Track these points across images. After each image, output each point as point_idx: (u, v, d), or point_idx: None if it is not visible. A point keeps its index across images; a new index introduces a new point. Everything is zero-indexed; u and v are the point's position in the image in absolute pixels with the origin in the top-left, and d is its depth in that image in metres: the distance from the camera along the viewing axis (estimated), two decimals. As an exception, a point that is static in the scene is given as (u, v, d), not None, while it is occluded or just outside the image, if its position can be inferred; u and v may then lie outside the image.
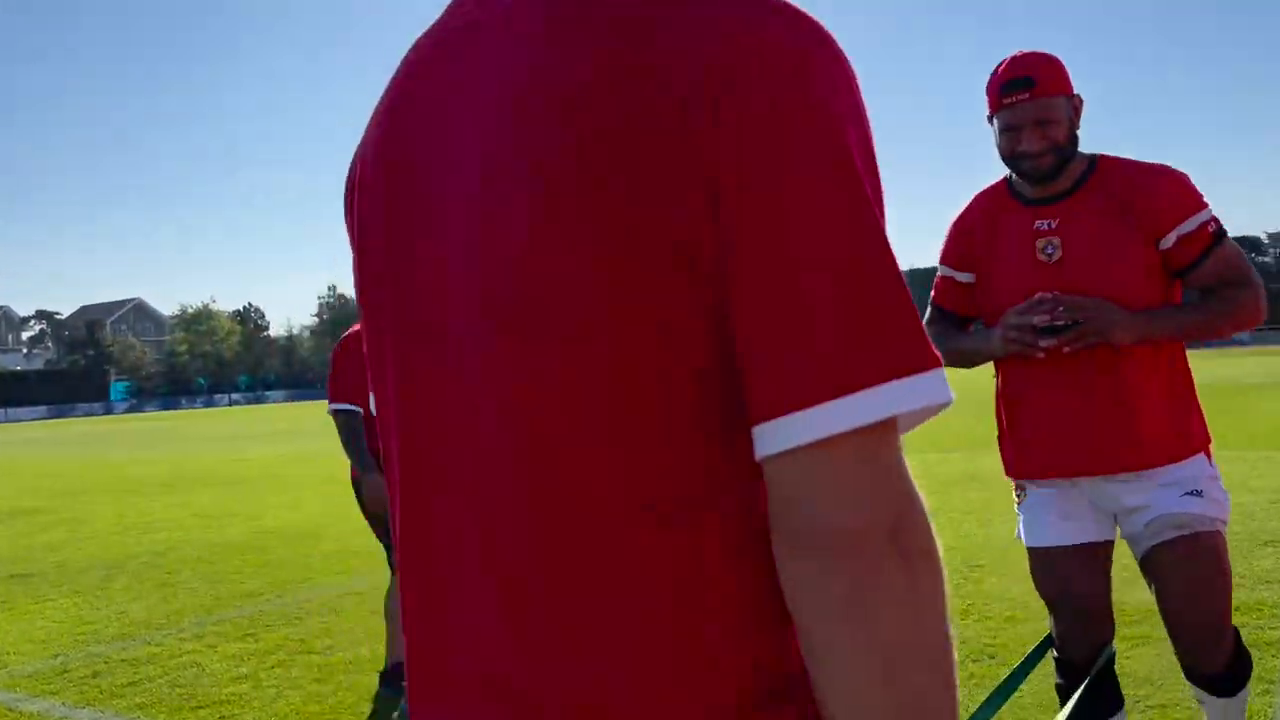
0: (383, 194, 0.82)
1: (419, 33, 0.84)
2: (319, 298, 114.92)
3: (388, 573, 6.49)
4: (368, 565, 7.00)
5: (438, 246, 0.75)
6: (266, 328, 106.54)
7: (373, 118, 0.87)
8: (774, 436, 0.63)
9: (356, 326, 4.15)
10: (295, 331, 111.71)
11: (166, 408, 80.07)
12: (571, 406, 0.68)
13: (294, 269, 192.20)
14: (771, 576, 0.67)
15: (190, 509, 10.84)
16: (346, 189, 0.90)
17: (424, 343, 0.77)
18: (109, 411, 79.32)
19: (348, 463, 4.12)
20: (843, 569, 0.61)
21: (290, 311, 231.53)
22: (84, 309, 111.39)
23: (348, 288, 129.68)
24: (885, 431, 0.63)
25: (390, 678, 4.20)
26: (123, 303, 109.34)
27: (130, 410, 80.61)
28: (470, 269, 0.72)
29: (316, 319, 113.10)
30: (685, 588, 0.68)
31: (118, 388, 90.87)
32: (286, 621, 5.54)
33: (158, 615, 5.88)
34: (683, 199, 0.65)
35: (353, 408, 3.97)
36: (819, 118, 0.65)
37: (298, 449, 19.82)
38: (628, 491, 0.67)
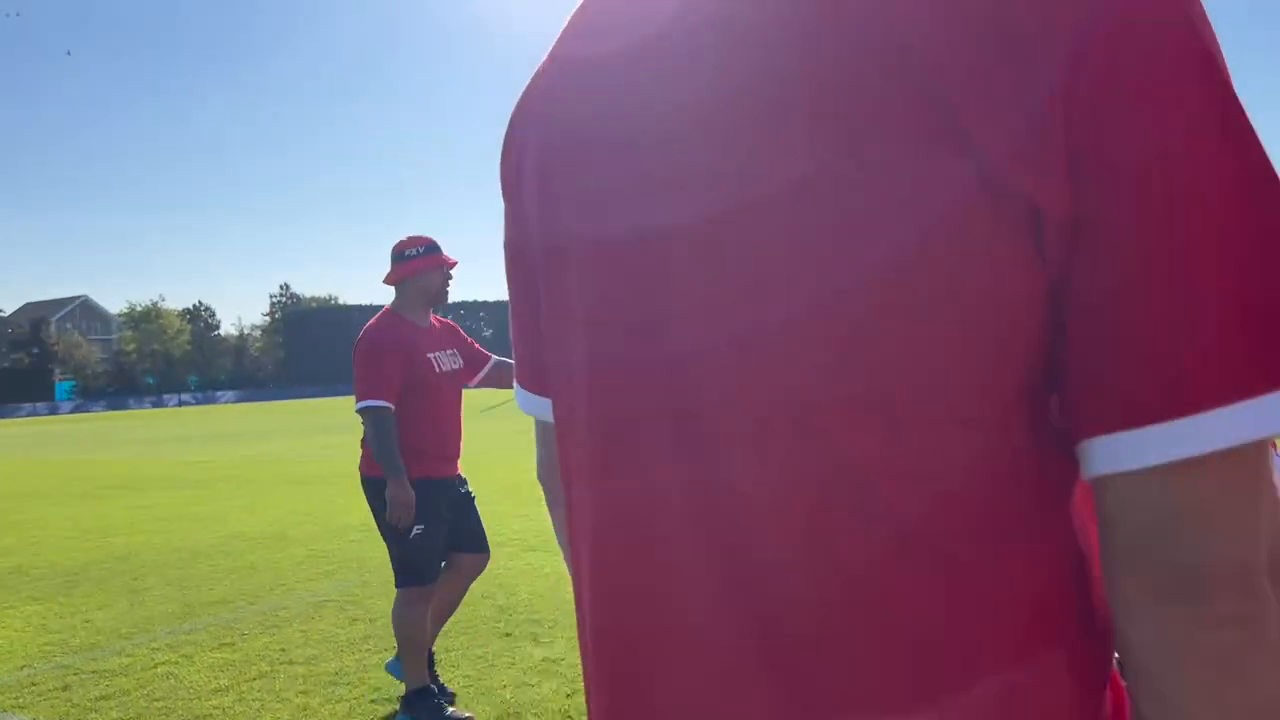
0: (585, 148, 0.69)
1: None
2: (271, 296, 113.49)
3: (366, 578, 6.37)
4: (342, 571, 6.82)
5: (669, 209, 0.62)
6: (217, 326, 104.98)
7: (552, 68, 0.75)
8: (1129, 451, 0.52)
9: (374, 321, 3.98)
10: (246, 330, 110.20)
11: (114, 408, 78.41)
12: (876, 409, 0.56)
13: (245, 267, 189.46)
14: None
15: (150, 512, 10.54)
16: (514, 147, 0.79)
17: (639, 317, 0.65)
18: (54, 411, 77.45)
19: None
20: (1227, 618, 0.51)
21: (241, 310, 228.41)
22: (28, 306, 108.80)
23: (301, 286, 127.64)
24: (1264, 448, 0.52)
25: (413, 703, 3.86)
26: (68, 300, 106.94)
27: (76, 410, 78.76)
28: (729, 226, 0.59)
29: (268, 318, 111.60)
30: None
31: (63, 387, 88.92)
32: (264, 630, 5.35)
33: (126, 624, 5.66)
34: (1036, 150, 0.51)
35: (386, 404, 3.78)
36: (1194, 34, 0.51)
37: (256, 451, 19.45)
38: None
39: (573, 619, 5.11)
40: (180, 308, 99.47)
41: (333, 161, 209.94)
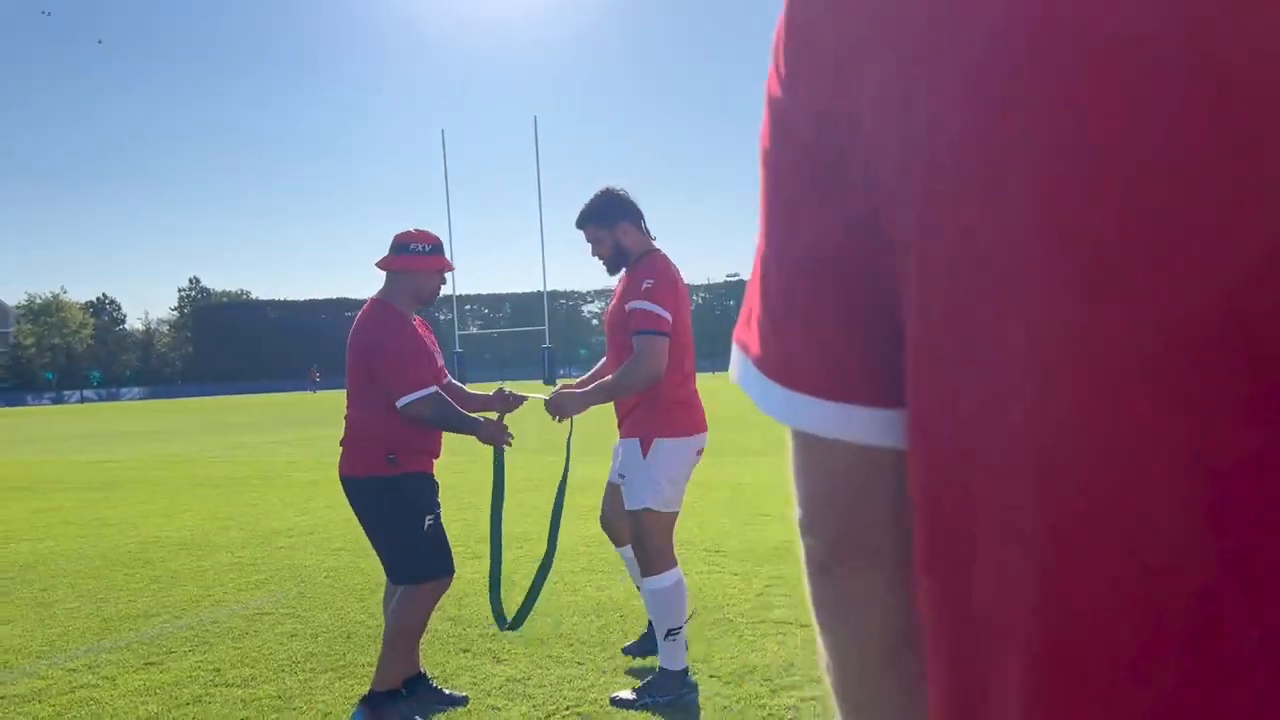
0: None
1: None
2: (180, 290, 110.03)
3: (303, 588, 5.91)
4: (274, 580, 6.38)
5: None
6: (122, 320, 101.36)
7: None
8: None
9: (383, 313, 3.74)
10: (154, 325, 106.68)
11: (9, 404, 75.20)
12: None
13: (153, 260, 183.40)
14: None
15: (55, 516, 9.86)
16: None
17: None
18: (-56, 407, 74.11)
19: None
20: None
21: (148, 304, 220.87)
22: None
23: (211, 280, 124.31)
24: None
25: (380, 705, 3.72)
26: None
27: (-32, 406, 75.41)
28: None
29: (176, 312, 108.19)
30: None
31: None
32: (193, 647, 4.91)
33: (37, 641, 5.16)
34: None
35: (435, 390, 3.70)
36: None
37: (167, 450, 18.59)
38: None
39: (533, 631, 4.80)
40: (83, 300, 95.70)
41: (245, 155, 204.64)
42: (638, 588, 4.19)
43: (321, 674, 4.41)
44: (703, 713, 3.75)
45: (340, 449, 3.76)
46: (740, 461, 11.54)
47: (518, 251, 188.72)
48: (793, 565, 6.08)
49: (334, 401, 44.96)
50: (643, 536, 3.79)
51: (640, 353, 3.64)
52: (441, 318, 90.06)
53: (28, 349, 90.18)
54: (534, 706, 3.88)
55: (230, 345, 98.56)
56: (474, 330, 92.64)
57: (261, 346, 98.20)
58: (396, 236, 3.85)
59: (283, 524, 8.66)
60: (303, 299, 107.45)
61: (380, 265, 3.85)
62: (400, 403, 3.62)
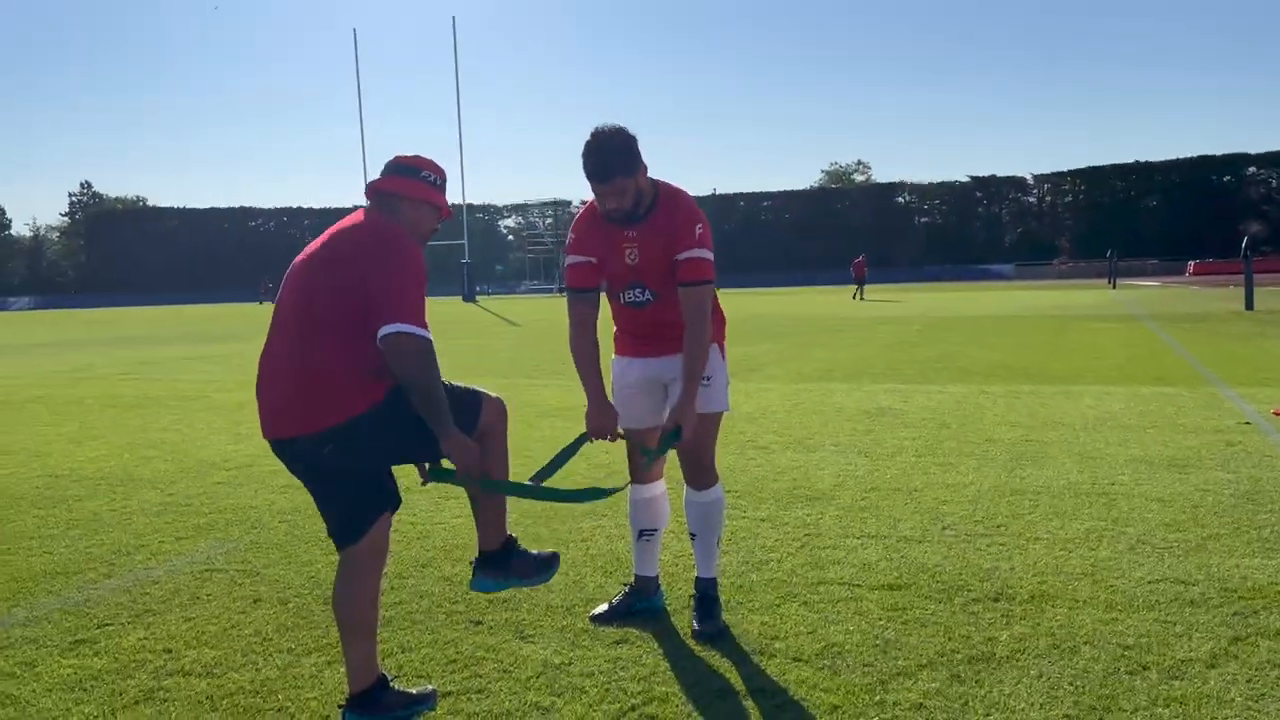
0: None
1: None
2: (70, 195, 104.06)
3: (256, 535, 4.88)
4: (220, 527, 5.42)
5: None
6: (8, 226, 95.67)
7: None
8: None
9: (400, 229, 2.98)
10: (43, 232, 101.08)
11: (-115, 312, 70.56)
12: None
13: (40, 162, 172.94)
14: None
15: (-56, 442, 8.64)
16: None
17: None
18: None
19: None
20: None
21: (36, 210, 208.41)
22: None
23: (103, 185, 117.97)
24: None
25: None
26: None
27: None
28: None
29: (67, 219, 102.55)
30: None
31: None
32: (133, 617, 3.98)
33: (-72, 609, 4.16)
34: None
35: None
36: None
37: (68, 365, 17.08)
38: None
39: (552, 598, 4.00)
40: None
41: (140, 51, 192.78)
42: (642, 533, 3.90)
43: (305, 656, 3.54)
44: (807, 708, 3.01)
45: (263, 403, 2.95)
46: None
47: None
48: (826, 509, 5.45)
49: (245, 317, 42.80)
50: (710, 444, 3.79)
51: (706, 307, 3.58)
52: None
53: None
54: (590, 705, 3.08)
55: (127, 255, 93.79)
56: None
57: (160, 257, 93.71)
58: (399, 158, 3.10)
59: (215, 454, 7.63)
60: (204, 207, 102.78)
61: (384, 187, 3.04)
62: (391, 328, 2.74)
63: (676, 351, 3.64)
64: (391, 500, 3.05)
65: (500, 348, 19.28)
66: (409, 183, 3.04)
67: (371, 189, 3.04)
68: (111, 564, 4.76)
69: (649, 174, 3.57)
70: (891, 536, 4.84)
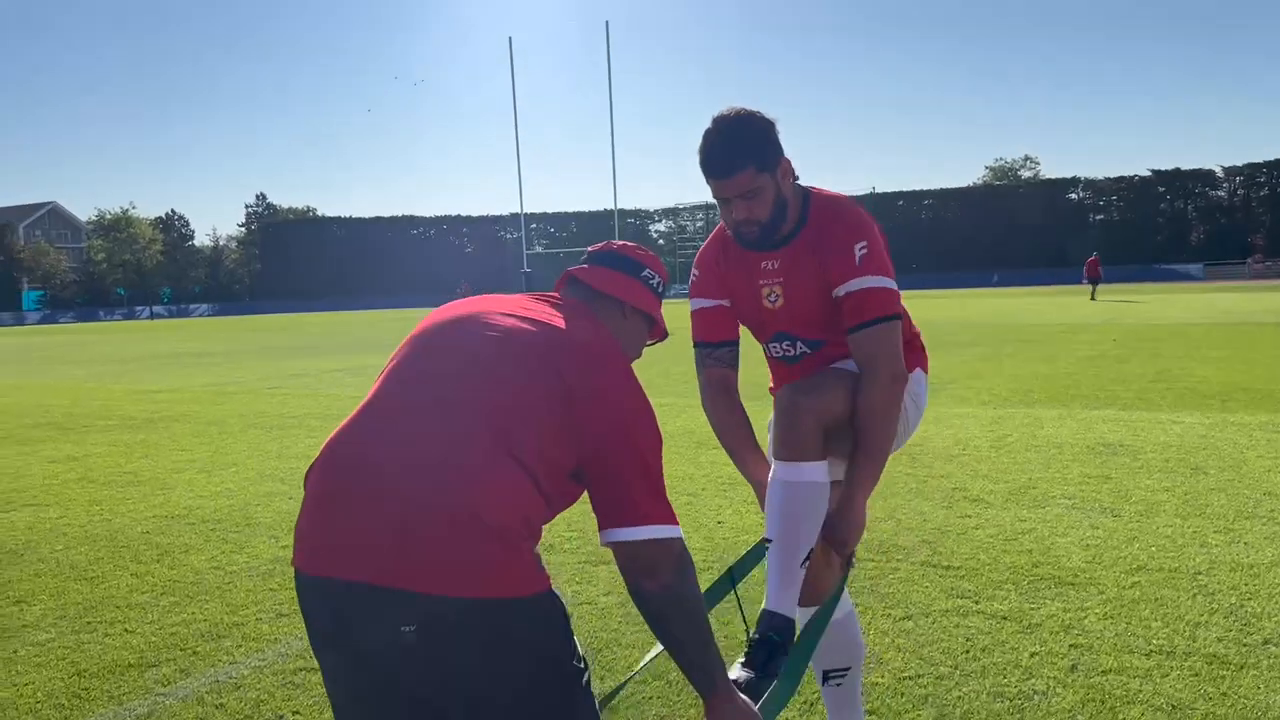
0: None
1: None
2: (246, 206, 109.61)
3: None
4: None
5: None
6: (191, 237, 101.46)
7: None
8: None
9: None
10: (222, 242, 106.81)
11: (83, 319, 75.80)
12: None
13: (219, 176, 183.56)
14: None
15: (76, 469, 8.15)
16: None
17: None
18: (20, 322, 74.89)
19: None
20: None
21: (216, 221, 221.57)
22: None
23: (277, 197, 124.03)
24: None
25: None
26: (37, 206, 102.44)
27: (44, 321, 76.18)
28: None
29: (244, 229, 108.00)
30: None
31: (30, 297, 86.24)
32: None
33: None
34: None
35: None
36: None
37: (223, 378, 17.05)
38: None
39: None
40: (152, 216, 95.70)
41: (312, 73, 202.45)
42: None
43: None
44: None
45: (355, 516, 1.71)
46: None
47: (585, 169, 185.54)
48: (1087, 600, 3.43)
49: (408, 321, 43.54)
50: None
51: (890, 356, 2.50)
52: (509, 236, 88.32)
53: (99, 264, 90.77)
54: None
55: (298, 263, 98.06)
56: (539, 250, 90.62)
57: (327, 264, 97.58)
58: (619, 247, 2.20)
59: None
60: (368, 217, 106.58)
61: (604, 286, 2.11)
62: (640, 533, 1.80)
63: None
64: None
65: (646, 360, 18.30)
66: (632, 285, 2.13)
67: (579, 279, 2.13)
68: (194, 653, 3.92)
69: (798, 180, 2.57)
70: (1195, 654, 3.53)
